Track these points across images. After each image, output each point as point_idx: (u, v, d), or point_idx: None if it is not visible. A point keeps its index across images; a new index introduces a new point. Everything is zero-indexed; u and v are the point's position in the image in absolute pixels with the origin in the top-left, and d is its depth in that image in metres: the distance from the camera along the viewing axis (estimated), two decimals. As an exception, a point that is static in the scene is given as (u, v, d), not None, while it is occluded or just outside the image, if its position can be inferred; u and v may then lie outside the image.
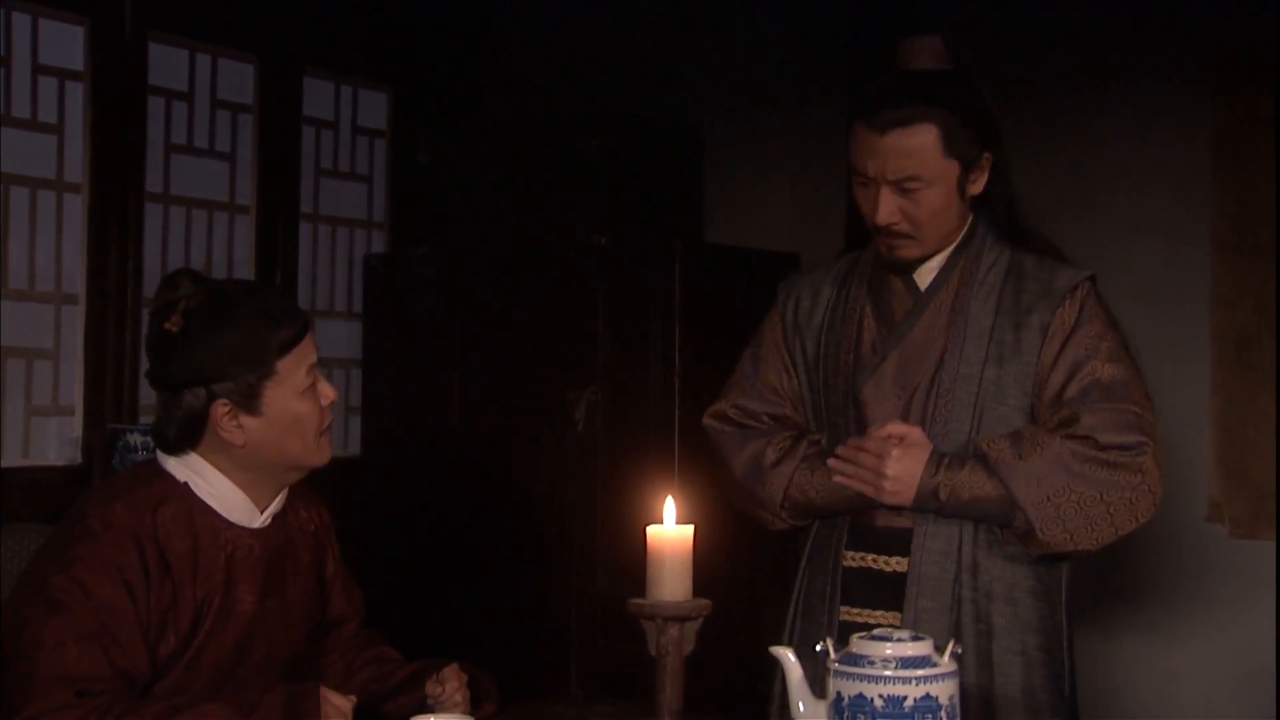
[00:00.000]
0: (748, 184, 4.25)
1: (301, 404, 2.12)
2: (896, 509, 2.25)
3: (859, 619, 2.24)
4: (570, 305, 3.80)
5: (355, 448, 4.26)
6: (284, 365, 2.10)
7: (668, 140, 4.16)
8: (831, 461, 2.26)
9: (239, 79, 4.08)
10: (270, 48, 4.12)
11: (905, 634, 1.77)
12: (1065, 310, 2.25)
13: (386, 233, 4.46)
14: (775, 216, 4.16)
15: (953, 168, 2.23)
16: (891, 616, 2.23)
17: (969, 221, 2.33)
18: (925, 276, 2.32)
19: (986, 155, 2.28)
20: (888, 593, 2.25)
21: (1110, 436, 2.19)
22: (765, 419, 2.39)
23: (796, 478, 2.32)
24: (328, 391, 2.16)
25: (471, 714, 2.16)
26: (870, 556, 2.28)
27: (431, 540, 3.99)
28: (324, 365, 4.20)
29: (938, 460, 2.21)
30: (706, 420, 2.45)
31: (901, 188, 2.22)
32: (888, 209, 2.23)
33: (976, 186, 2.28)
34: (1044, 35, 3.88)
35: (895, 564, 2.26)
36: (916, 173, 2.21)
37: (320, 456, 2.16)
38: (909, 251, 2.28)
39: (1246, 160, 3.59)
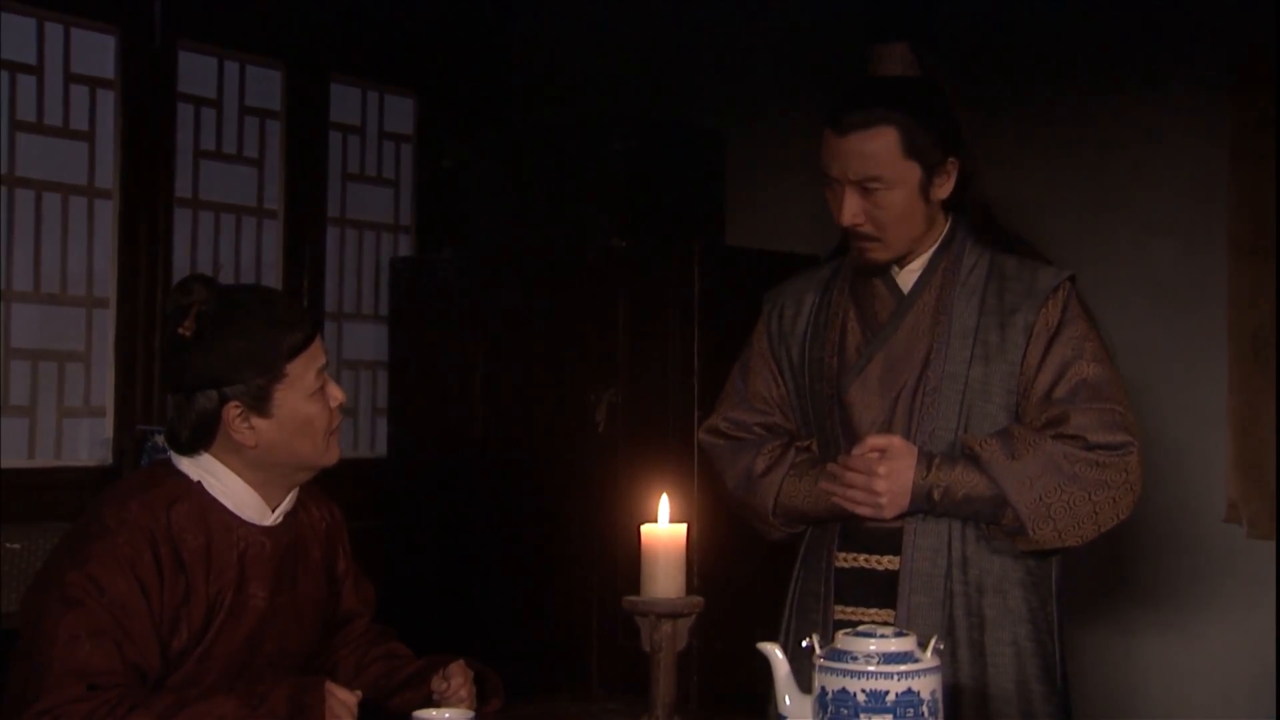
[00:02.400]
0: (769, 187, 4.28)
1: (311, 405, 2.17)
2: None
3: (853, 618, 2.28)
4: (591, 307, 3.85)
5: (381, 448, 4.32)
6: (294, 368, 2.15)
7: (689, 143, 4.19)
8: (823, 485, 2.30)
9: (267, 85, 4.15)
10: (298, 55, 4.19)
11: (888, 630, 1.80)
12: (1049, 310, 2.29)
13: (412, 236, 4.52)
14: (796, 219, 4.19)
15: (913, 170, 2.27)
16: (885, 614, 2.26)
17: (949, 224, 2.36)
18: (908, 279, 2.35)
19: (952, 160, 2.31)
20: (881, 591, 2.28)
21: (1099, 436, 2.23)
22: (756, 429, 2.43)
23: (785, 485, 2.36)
24: (336, 393, 2.21)
25: (478, 710, 2.20)
26: (863, 557, 2.32)
27: (455, 539, 4.04)
28: (350, 367, 4.33)
29: (927, 461, 2.24)
30: (701, 435, 2.51)
31: (864, 188, 2.27)
32: (851, 210, 2.28)
33: (942, 191, 2.32)
34: (1061, 37, 3.89)
35: (887, 562, 2.29)
36: (877, 173, 2.26)
37: (329, 456, 2.21)
38: (877, 254, 2.32)
39: (1264, 162, 3.58)
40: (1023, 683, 2.25)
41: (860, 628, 1.84)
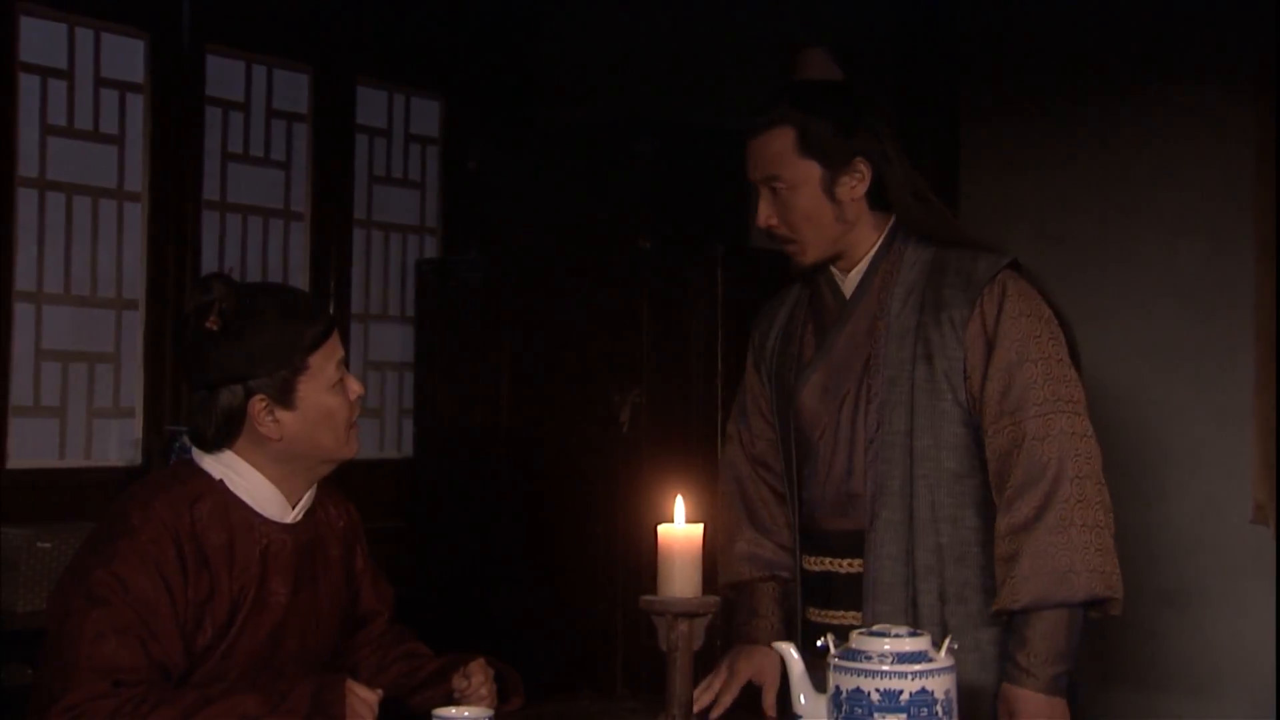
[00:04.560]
0: (792, 188, 4.28)
1: (332, 398, 2.19)
2: (844, 513, 2.29)
3: (823, 620, 2.28)
4: (616, 308, 3.86)
5: (408, 449, 4.35)
6: (315, 360, 2.17)
7: (713, 145, 4.20)
8: None
9: (294, 89, 4.19)
10: (325, 58, 4.23)
11: (903, 630, 1.81)
12: (985, 304, 2.22)
13: (438, 238, 4.55)
14: (819, 220, 4.19)
15: (812, 169, 2.27)
16: (854, 616, 2.24)
17: (889, 226, 2.33)
18: (851, 285, 2.33)
19: (860, 161, 2.28)
20: (847, 594, 2.27)
21: (1054, 449, 2.16)
22: (772, 463, 2.43)
23: (744, 587, 2.40)
24: (355, 386, 2.23)
25: (498, 708, 2.22)
26: (828, 560, 2.31)
27: (480, 539, 4.06)
28: (376, 368, 4.37)
29: (1017, 672, 2.14)
30: (729, 449, 2.51)
31: (771, 189, 2.29)
32: (763, 212, 2.30)
33: (852, 191, 2.28)
34: (1085, 37, 3.88)
35: (854, 566, 2.27)
36: (776, 172, 2.27)
37: (349, 449, 2.23)
38: (800, 257, 2.32)
39: (1290, 160, 3.57)
40: (987, 686, 2.21)
41: (875, 626, 1.84)
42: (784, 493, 2.41)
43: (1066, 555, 2.12)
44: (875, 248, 2.31)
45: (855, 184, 2.28)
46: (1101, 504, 2.17)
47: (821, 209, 2.28)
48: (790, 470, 2.37)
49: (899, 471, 2.23)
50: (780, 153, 2.26)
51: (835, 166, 2.27)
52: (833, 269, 2.35)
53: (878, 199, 2.32)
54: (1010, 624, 2.16)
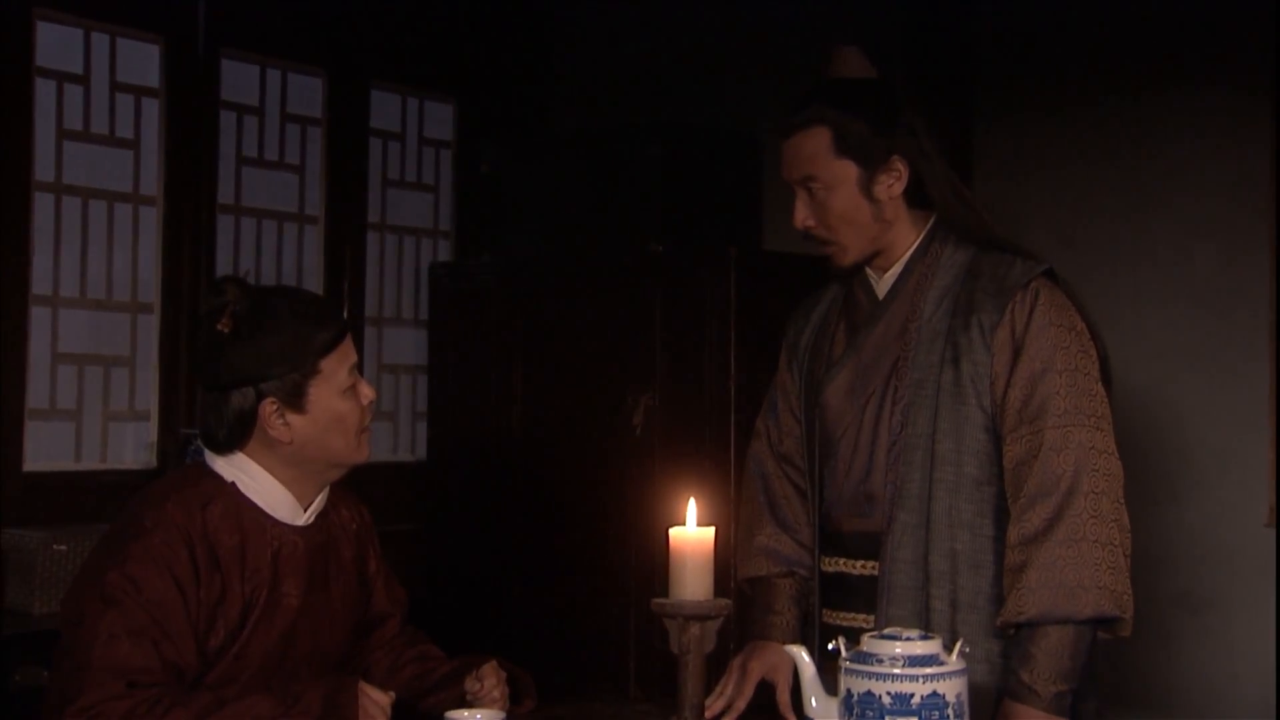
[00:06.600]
0: (806, 191, 4.28)
1: (343, 402, 2.19)
2: (860, 514, 2.27)
3: (837, 622, 2.27)
4: (629, 311, 3.87)
5: (421, 452, 4.36)
6: (327, 364, 2.18)
7: (725, 148, 4.21)
8: None
9: (308, 93, 4.21)
10: (339, 62, 4.24)
11: (914, 633, 1.81)
12: (1016, 311, 2.18)
13: (451, 241, 4.56)
14: (833, 223, 4.19)
15: (848, 168, 2.23)
16: (867, 619, 2.23)
17: (928, 227, 2.30)
18: (884, 285, 2.31)
19: (897, 159, 2.25)
20: (861, 596, 2.26)
21: (1067, 462, 2.13)
22: (798, 461, 2.42)
23: (763, 583, 2.39)
24: (367, 391, 2.23)
25: (510, 710, 2.22)
26: (843, 561, 2.29)
27: (494, 542, 4.07)
28: (390, 371, 4.38)
29: (1020, 688, 2.10)
30: (753, 445, 2.49)
31: (807, 189, 2.26)
32: (800, 213, 2.28)
33: (890, 190, 2.26)
34: (1101, 38, 3.88)
35: (868, 568, 2.26)
36: (812, 173, 2.24)
37: (360, 454, 2.23)
38: (840, 258, 2.29)
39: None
40: (996, 694, 2.18)
41: (886, 629, 1.84)
42: (807, 490, 2.40)
43: (1075, 570, 2.09)
44: (913, 248, 2.29)
45: (893, 183, 2.25)
46: (1117, 522, 2.13)
47: (859, 209, 2.25)
48: (812, 468, 2.36)
49: (918, 474, 2.21)
50: (816, 153, 2.23)
51: (872, 165, 2.24)
52: (867, 268, 2.32)
53: (916, 197, 2.29)
54: (1016, 637, 2.13)
